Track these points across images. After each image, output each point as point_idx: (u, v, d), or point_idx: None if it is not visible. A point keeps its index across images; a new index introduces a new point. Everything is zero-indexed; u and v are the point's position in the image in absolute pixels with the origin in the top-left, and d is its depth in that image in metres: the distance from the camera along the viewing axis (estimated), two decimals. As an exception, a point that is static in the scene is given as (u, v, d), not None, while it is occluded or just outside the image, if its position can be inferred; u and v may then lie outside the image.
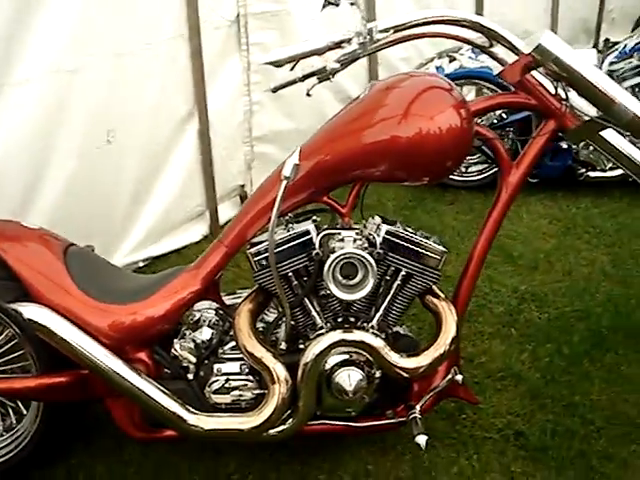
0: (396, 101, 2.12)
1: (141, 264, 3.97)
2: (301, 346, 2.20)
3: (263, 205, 2.19)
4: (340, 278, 2.09)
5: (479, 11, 6.53)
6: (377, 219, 2.23)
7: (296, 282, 2.16)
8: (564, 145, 4.51)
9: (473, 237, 2.35)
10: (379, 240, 2.13)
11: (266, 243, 2.11)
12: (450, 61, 4.88)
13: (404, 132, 2.06)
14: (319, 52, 2.08)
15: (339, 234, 2.17)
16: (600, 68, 4.83)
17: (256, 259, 2.17)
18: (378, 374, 2.18)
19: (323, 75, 2.17)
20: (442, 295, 2.26)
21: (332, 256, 2.07)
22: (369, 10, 5.34)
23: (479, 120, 2.33)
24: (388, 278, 2.17)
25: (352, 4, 2.09)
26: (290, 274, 2.15)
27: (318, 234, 2.16)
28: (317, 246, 2.13)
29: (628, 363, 2.98)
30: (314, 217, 2.24)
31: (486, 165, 4.86)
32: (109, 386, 2.21)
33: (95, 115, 3.48)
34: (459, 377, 2.33)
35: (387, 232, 2.13)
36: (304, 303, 2.19)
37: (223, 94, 4.32)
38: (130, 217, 3.87)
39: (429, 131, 2.06)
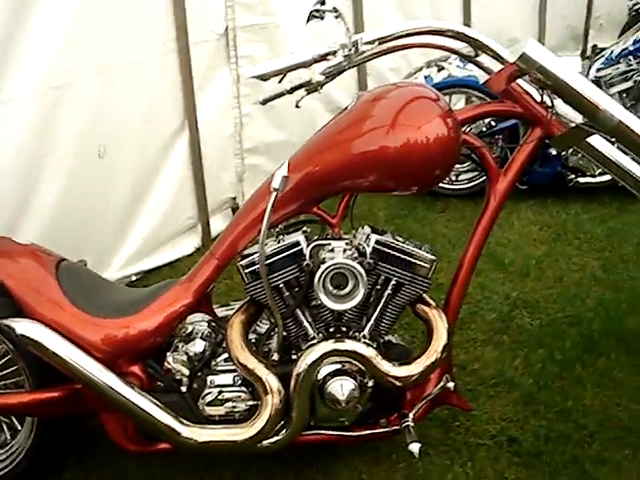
0: (383, 112, 2.14)
1: (134, 278, 3.97)
2: (293, 357, 2.21)
3: (253, 217, 2.20)
4: (331, 288, 2.10)
5: (467, 19, 6.59)
6: (367, 229, 2.24)
7: (287, 293, 2.18)
8: (553, 152, 4.52)
9: (464, 245, 2.36)
10: (369, 250, 2.14)
11: (257, 255, 2.12)
12: (438, 70, 4.90)
13: (392, 142, 2.08)
14: (305, 65, 2.09)
15: (329, 245, 2.18)
16: (588, 74, 4.87)
17: (247, 271, 2.18)
18: (371, 383, 2.19)
19: (310, 87, 2.18)
20: (433, 303, 2.27)
21: (322, 267, 2.08)
22: (357, 21, 5.38)
23: (468, 128, 2.35)
24: (379, 287, 2.18)
25: (337, 17, 2.11)
26: (281, 285, 2.17)
27: (308, 245, 2.17)
28: (307, 257, 2.15)
29: (620, 367, 2.99)
30: (304, 228, 2.26)
31: (476, 173, 4.87)
32: (103, 400, 2.21)
33: (85, 130, 3.49)
34: (451, 384, 2.34)
35: (377, 242, 2.15)
36: (296, 314, 2.20)
37: (213, 107, 4.34)
38: (122, 231, 3.87)
39: (417, 141, 2.07)
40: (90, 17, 3.40)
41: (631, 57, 4.80)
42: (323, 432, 2.29)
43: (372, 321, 2.19)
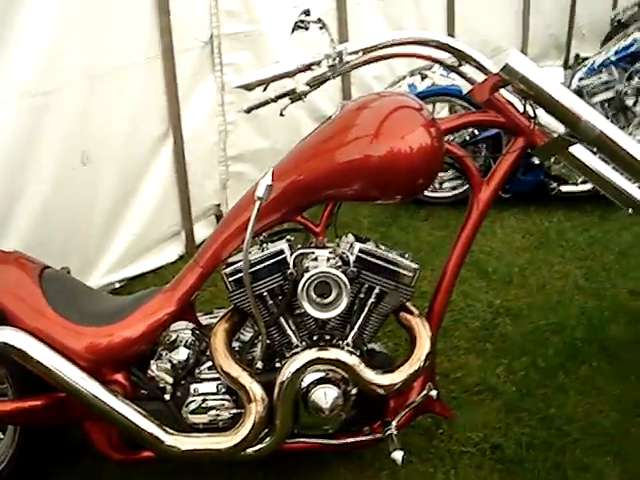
0: (367, 121, 2.15)
1: (117, 285, 3.96)
2: (277, 365, 2.21)
3: (237, 225, 2.21)
4: (314, 297, 2.11)
5: (451, 28, 6.61)
6: (350, 237, 2.25)
7: (271, 301, 2.18)
8: (536, 160, 4.54)
9: (448, 252, 2.37)
10: (352, 258, 2.15)
11: (241, 263, 2.12)
12: (422, 79, 4.91)
13: (376, 151, 2.09)
14: (289, 75, 2.10)
15: (313, 253, 2.20)
16: (570, 84, 4.90)
17: (231, 279, 2.18)
18: (354, 391, 2.19)
19: (295, 96, 2.19)
20: (416, 311, 2.29)
21: (306, 275, 2.09)
22: (341, 31, 5.40)
23: (451, 138, 2.36)
24: (362, 296, 2.19)
25: (321, 28, 2.12)
26: (265, 293, 2.17)
27: (292, 253, 2.18)
28: (291, 265, 2.15)
29: (602, 375, 3.01)
30: (288, 236, 2.27)
31: (460, 181, 4.88)
32: (86, 408, 2.20)
33: (69, 137, 3.48)
34: (434, 392, 2.35)
35: (360, 250, 2.16)
36: (279, 322, 2.21)
37: (197, 114, 4.34)
38: (106, 238, 3.86)
39: (400, 150, 2.09)
40: (75, 24, 3.40)
41: (613, 67, 4.85)
42: (307, 440, 2.30)
43: (355, 329, 2.20)
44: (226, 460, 2.36)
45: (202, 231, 4.43)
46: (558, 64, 8.15)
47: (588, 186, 4.62)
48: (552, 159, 4.47)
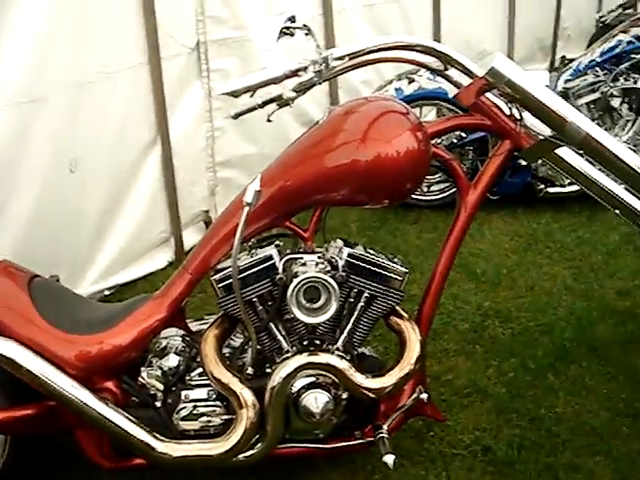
0: (354, 126, 2.16)
1: (107, 292, 3.94)
2: (268, 370, 2.22)
3: (226, 231, 2.21)
4: (304, 302, 2.11)
5: (437, 31, 6.62)
6: (339, 242, 2.26)
7: (261, 307, 2.18)
8: (523, 162, 4.56)
9: (437, 255, 2.38)
10: (341, 263, 2.15)
11: (230, 269, 2.12)
12: (409, 82, 4.93)
13: (363, 156, 2.09)
14: (276, 81, 2.09)
15: (302, 258, 2.20)
16: (556, 86, 4.93)
17: (220, 285, 2.19)
18: (345, 395, 2.20)
19: (282, 102, 2.19)
20: (405, 315, 2.29)
21: (295, 280, 2.09)
22: (327, 36, 5.41)
23: (438, 141, 2.37)
24: (351, 300, 2.20)
25: (307, 34, 2.13)
26: (254, 299, 2.17)
27: (281, 259, 2.18)
28: (280, 271, 2.16)
29: (591, 375, 3.02)
30: (277, 242, 2.27)
31: (448, 184, 4.90)
32: (77, 417, 2.20)
33: (57, 145, 3.47)
34: (425, 395, 2.35)
35: (349, 255, 2.16)
36: (269, 327, 2.21)
37: (185, 121, 4.34)
38: (95, 245, 3.85)
39: (387, 154, 2.10)
40: (61, 31, 3.40)
41: (598, 69, 4.88)
42: (298, 445, 2.30)
43: (345, 334, 2.20)
44: (218, 466, 2.36)
45: (191, 237, 4.42)
46: (544, 67, 8.19)
47: (575, 187, 4.60)
48: (539, 161, 4.48)
